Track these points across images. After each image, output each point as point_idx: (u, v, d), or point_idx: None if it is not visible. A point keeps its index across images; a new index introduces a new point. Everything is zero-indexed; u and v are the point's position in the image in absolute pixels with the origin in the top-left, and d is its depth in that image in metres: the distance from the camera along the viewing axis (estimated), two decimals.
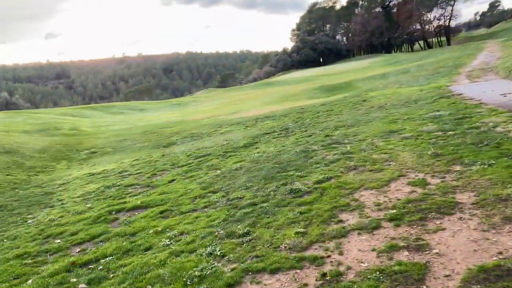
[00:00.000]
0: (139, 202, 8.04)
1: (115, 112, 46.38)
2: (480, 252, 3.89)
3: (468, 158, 6.67)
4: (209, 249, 4.99)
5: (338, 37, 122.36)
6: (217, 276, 4.29)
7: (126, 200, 8.53)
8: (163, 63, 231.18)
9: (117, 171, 12.34)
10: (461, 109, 10.97)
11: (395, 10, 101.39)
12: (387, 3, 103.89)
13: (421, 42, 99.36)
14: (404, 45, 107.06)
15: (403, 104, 14.22)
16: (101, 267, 5.17)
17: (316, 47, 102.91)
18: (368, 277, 3.75)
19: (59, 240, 6.63)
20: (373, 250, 4.28)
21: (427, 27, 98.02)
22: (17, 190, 11.81)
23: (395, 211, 5.14)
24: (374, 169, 7.12)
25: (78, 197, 9.78)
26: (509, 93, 12.36)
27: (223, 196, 7.26)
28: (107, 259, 5.39)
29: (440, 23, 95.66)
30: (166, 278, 4.44)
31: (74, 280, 4.92)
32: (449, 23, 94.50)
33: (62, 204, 9.40)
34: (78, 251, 6.01)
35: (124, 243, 5.85)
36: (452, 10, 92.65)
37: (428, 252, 4.05)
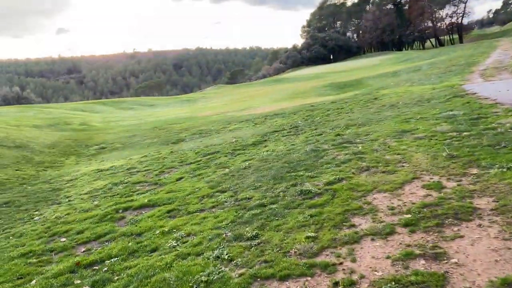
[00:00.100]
0: (146, 200, 7.91)
1: (125, 108, 46.57)
2: (502, 263, 3.67)
3: (485, 160, 6.41)
4: (216, 252, 4.82)
5: (348, 34, 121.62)
6: (225, 281, 4.12)
7: (133, 198, 8.41)
8: (173, 58, 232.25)
9: (125, 168, 12.26)
10: (476, 109, 10.65)
11: (406, 7, 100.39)
12: (399, 0, 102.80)
13: (433, 40, 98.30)
14: (415, 42, 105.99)
15: (415, 103, 13.91)
16: (105, 268, 5.04)
17: (326, 44, 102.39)
18: (383, 287, 3.56)
19: (64, 239, 6.54)
20: (388, 257, 4.07)
21: (439, 24, 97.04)
22: (25, 186, 11.79)
23: (410, 216, 4.92)
24: (387, 170, 6.89)
25: (86, 194, 9.69)
26: None
27: (231, 196, 7.10)
28: (112, 260, 5.26)
29: (453, 20, 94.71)
30: (171, 282, 4.29)
31: (78, 282, 4.79)
32: (461, 21, 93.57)
33: (69, 201, 9.32)
34: (83, 251, 5.89)
35: (130, 244, 5.72)
36: (464, 7, 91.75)
37: (446, 261, 3.83)
